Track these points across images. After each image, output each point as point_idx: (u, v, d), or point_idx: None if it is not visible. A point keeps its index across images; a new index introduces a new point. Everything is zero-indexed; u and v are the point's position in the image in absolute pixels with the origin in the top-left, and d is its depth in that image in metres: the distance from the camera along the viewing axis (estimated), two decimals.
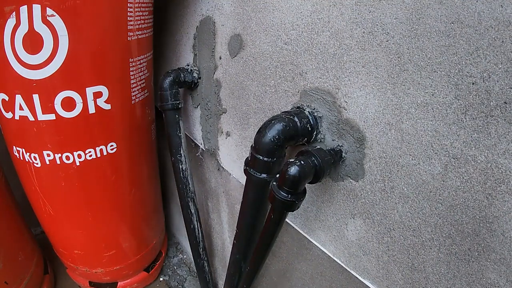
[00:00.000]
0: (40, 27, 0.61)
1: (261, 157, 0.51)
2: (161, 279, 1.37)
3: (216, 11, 0.72)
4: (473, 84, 0.35)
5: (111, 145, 0.82)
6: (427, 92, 0.39)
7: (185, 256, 1.47)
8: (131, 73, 0.78)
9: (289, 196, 0.46)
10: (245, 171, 0.56)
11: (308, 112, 0.54)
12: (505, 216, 0.36)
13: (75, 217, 0.91)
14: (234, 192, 0.89)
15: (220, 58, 0.75)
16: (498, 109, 0.34)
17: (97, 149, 0.80)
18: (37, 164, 0.78)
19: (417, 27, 0.38)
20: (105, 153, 0.81)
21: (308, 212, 0.64)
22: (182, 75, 0.82)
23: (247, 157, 0.56)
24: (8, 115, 0.72)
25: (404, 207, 0.46)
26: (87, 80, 0.71)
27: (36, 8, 0.60)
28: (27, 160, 0.78)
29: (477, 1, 0.32)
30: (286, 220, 0.68)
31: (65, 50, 0.65)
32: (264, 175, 0.53)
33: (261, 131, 0.50)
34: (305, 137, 0.53)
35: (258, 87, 0.66)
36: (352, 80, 0.47)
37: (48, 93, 0.68)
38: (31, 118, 0.71)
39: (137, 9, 0.73)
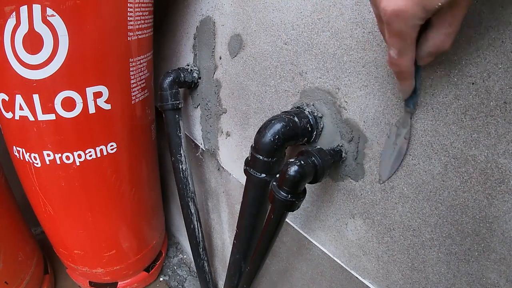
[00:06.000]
0: (40, 27, 0.61)
1: (261, 157, 0.51)
2: (161, 279, 1.37)
3: (216, 11, 0.72)
4: (473, 84, 0.35)
5: (111, 145, 0.82)
6: (427, 92, 0.39)
7: (185, 256, 1.47)
8: (131, 73, 0.79)
9: (289, 196, 0.46)
10: (245, 171, 0.56)
11: (308, 112, 0.54)
12: (505, 216, 0.36)
13: (75, 217, 0.91)
14: (234, 192, 0.89)
15: (220, 58, 0.75)
16: (498, 109, 0.34)
17: (97, 149, 0.80)
18: (37, 164, 0.78)
19: None
20: (105, 153, 0.81)
21: (308, 212, 0.64)
22: (182, 75, 0.82)
23: (247, 157, 0.56)
24: (8, 115, 0.72)
25: (404, 207, 0.46)
26: (87, 80, 0.71)
27: (36, 8, 0.60)
28: (27, 160, 0.79)
29: (477, 1, 0.32)
30: (286, 220, 0.68)
31: (65, 50, 0.65)
32: (264, 175, 0.53)
33: (261, 131, 0.50)
34: (305, 137, 0.53)
35: (258, 87, 0.66)
36: (352, 80, 0.47)
37: (48, 93, 0.68)
38: (31, 118, 0.71)
39: (137, 9, 0.73)
